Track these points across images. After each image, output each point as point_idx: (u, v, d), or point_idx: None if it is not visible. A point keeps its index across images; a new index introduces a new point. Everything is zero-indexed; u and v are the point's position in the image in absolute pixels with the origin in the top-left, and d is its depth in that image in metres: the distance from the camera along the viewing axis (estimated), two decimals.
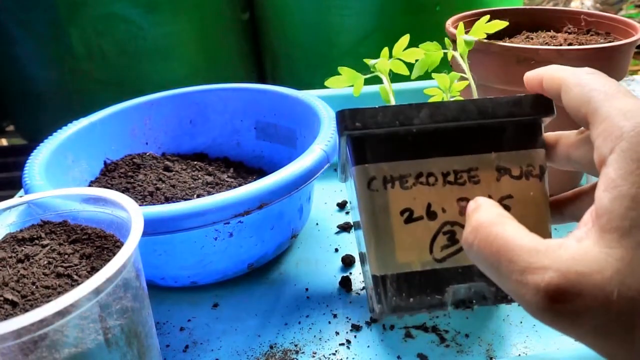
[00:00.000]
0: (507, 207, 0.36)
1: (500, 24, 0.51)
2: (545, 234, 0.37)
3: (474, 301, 0.36)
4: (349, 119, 0.35)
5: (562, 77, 0.31)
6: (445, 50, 0.48)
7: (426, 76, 0.85)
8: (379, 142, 0.35)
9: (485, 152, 0.36)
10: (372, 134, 0.35)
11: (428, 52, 0.47)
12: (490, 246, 0.26)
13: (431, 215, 0.36)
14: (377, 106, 0.35)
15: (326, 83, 0.45)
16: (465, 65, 0.45)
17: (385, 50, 0.45)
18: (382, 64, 0.42)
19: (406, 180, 0.35)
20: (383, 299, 0.36)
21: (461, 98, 0.44)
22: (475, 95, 0.43)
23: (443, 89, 0.47)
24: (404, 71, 0.47)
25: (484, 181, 0.36)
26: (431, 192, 0.36)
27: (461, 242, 0.29)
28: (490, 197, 0.35)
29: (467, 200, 0.35)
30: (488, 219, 0.28)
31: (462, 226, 0.36)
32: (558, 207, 0.37)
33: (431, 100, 0.43)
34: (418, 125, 0.35)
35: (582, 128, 0.35)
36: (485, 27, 0.51)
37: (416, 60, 0.49)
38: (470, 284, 0.36)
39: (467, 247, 0.28)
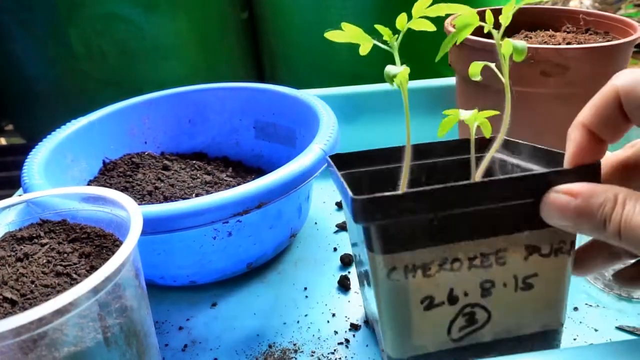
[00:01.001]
0: (530, 285, 0.35)
1: None
2: (561, 308, 0.36)
3: None
4: (369, 210, 0.30)
5: (614, 85, 0.29)
6: (484, 24, 0.41)
7: (431, 73, 0.84)
8: (401, 229, 0.32)
9: (516, 232, 0.33)
10: (393, 222, 0.31)
11: (462, 16, 0.40)
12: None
13: (453, 300, 0.34)
14: (397, 192, 0.30)
15: (326, 35, 0.42)
16: (505, 69, 0.39)
17: (403, 16, 0.40)
18: (403, 74, 0.38)
19: (429, 268, 0.33)
20: None
21: (487, 123, 0.40)
22: (509, 106, 0.39)
23: (469, 123, 0.41)
24: (430, 27, 0.41)
25: (511, 261, 0.34)
26: (455, 277, 0.34)
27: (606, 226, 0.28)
28: (515, 277, 0.34)
29: (492, 282, 0.34)
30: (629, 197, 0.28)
31: (483, 307, 0.35)
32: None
33: (446, 120, 0.39)
34: (445, 210, 0.32)
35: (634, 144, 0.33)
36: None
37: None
38: (484, 358, 0.36)
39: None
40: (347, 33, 0.39)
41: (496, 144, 0.37)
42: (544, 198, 0.31)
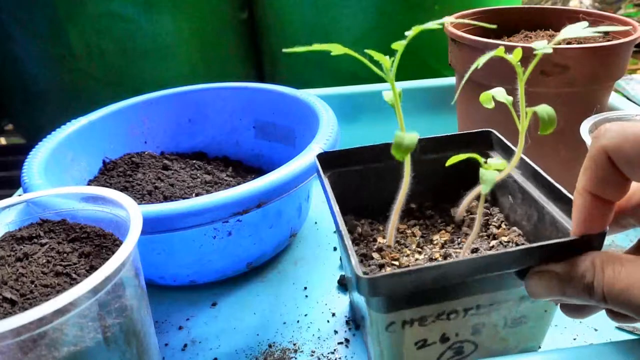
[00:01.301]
0: (518, 324, 0.36)
1: None
2: (542, 337, 0.39)
3: None
4: (371, 287, 0.31)
5: (601, 146, 0.28)
6: (506, 57, 0.37)
7: (431, 72, 0.84)
8: (404, 295, 0.33)
9: (514, 287, 0.34)
10: (397, 292, 0.32)
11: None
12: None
13: (444, 340, 0.36)
14: (402, 270, 0.30)
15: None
16: (520, 79, 0.37)
17: (399, 44, 0.36)
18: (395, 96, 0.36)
19: (426, 319, 0.34)
20: None
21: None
22: (522, 143, 0.38)
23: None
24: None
25: (504, 308, 0.35)
26: (449, 324, 0.35)
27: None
28: (505, 318, 0.36)
29: (483, 324, 0.36)
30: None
31: (473, 342, 0.37)
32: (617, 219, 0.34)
33: (454, 159, 0.37)
34: (446, 282, 0.32)
35: None
36: None
37: None
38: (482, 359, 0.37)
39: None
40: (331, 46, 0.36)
41: (511, 165, 0.37)
42: (527, 279, 0.32)
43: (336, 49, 0.36)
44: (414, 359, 0.36)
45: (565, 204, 0.36)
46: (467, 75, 0.36)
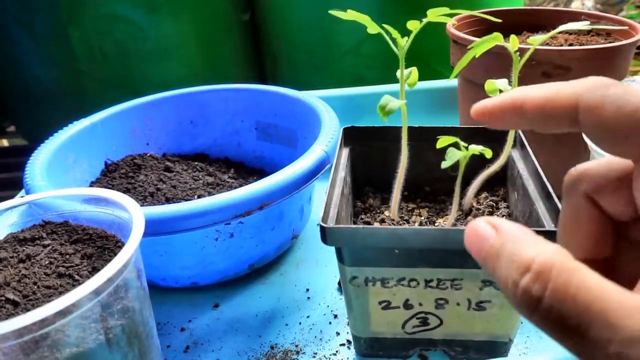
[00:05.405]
0: (482, 308, 0.38)
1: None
2: (510, 328, 0.39)
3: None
4: (333, 237, 0.34)
5: (576, 92, 0.21)
6: (503, 44, 0.41)
7: (432, 73, 0.84)
8: (364, 252, 0.36)
9: (473, 268, 0.35)
10: (357, 247, 0.36)
11: (483, 42, 0.41)
12: (572, 301, 0.17)
13: (408, 307, 0.38)
14: (355, 226, 0.35)
15: (331, 12, 0.43)
16: (514, 77, 0.41)
17: (414, 22, 0.39)
18: (403, 106, 0.39)
19: (387, 282, 0.37)
20: (358, 348, 0.42)
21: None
22: (510, 145, 0.41)
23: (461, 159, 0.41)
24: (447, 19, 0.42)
25: (466, 288, 0.37)
26: (411, 292, 0.37)
27: (517, 297, 0.18)
28: (469, 300, 0.37)
29: (446, 300, 0.37)
30: (561, 263, 0.18)
31: (436, 316, 0.39)
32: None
33: (443, 141, 0.39)
34: (408, 246, 0.35)
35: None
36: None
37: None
38: (433, 350, 0.41)
39: (533, 303, 0.18)
40: (352, 14, 0.40)
41: (503, 156, 0.39)
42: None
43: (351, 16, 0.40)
44: (380, 318, 0.39)
45: (550, 202, 0.36)
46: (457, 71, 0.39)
